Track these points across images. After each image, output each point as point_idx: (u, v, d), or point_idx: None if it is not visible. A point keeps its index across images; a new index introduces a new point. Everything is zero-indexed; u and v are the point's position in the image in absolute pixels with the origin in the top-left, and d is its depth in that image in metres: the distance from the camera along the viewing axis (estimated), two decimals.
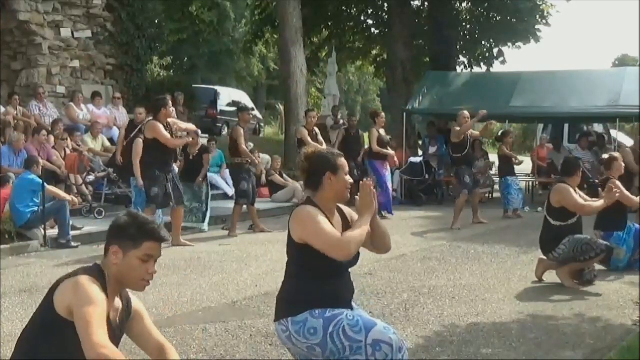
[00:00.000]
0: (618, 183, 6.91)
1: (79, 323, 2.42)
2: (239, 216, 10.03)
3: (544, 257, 6.89)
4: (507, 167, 12.47)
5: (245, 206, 10.11)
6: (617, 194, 6.59)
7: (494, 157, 15.10)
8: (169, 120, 8.69)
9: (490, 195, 15.18)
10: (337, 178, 3.33)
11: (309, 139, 11.00)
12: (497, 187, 14.20)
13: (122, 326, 2.76)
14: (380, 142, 11.58)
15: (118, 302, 2.73)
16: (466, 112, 10.79)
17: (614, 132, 18.33)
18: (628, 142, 19.16)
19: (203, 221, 10.29)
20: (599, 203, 6.65)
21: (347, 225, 3.44)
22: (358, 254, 3.46)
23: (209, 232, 10.14)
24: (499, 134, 13.32)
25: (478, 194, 11.40)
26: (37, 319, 2.60)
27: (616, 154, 7.66)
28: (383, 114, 12.19)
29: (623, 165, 7.49)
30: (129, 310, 2.80)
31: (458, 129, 10.61)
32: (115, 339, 2.63)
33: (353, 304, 3.44)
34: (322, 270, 3.26)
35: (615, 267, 7.11)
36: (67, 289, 2.52)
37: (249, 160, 10.06)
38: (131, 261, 2.62)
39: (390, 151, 11.80)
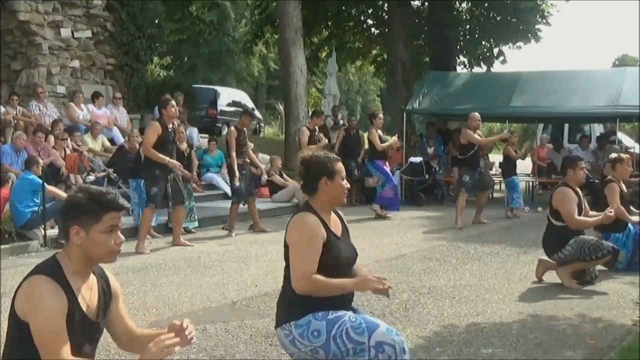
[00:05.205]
0: (616, 206, 6.75)
1: (37, 340, 2.41)
2: (235, 215, 10.04)
3: (544, 258, 6.89)
4: (510, 167, 12.47)
5: (244, 204, 10.13)
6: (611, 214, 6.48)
7: (494, 157, 15.10)
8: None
9: (491, 195, 15.17)
10: (333, 183, 3.35)
11: (306, 142, 11.23)
12: (497, 187, 14.22)
13: (101, 310, 2.64)
14: (380, 142, 11.67)
15: (92, 282, 2.62)
16: (477, 114, 10.80)
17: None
18: (629, 142, 19.19)
19: (195, 219, 10.27)
20: (592, 220, 6.56)
21: (344, 226, 3.48)
22: (356, 255, 3.48)
23: (209, 232, 10.13)
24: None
25: (486, 195, 11.38)
26: (9, 322, 2.54)
27: (623, 155, 7.65)
28: (381, 115, 12.20)
29: (629, 168, 7.48)
30: (108, 291, 2.70)
31: (479, 137, 10.62)
32: (88, 328, 2.55)
33: (354, 305, 3.45)
34: (322, 273, 3.26)
35: (615, 268, 7.11)
36: (22, 296, 2.46)
37: (248, 160, 10.08)
38: (95, 237, 2.51)
39: (392, 140, 11.90)
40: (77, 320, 2.50)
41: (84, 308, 2.55)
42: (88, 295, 2.59)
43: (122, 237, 2.60)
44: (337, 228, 3.40)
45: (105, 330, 2.73)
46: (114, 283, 2.76)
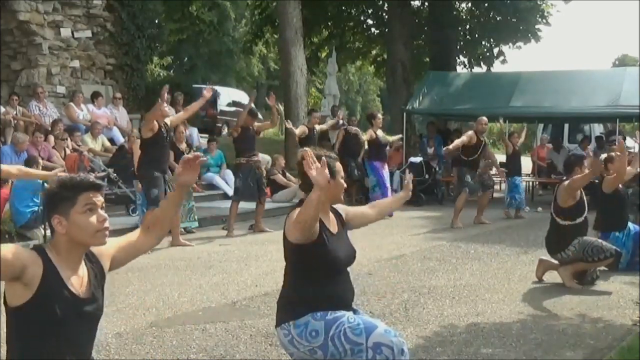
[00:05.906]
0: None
1: None
2: (234, 214, 10.02)
3: (545, 257, 6.89)
4: (515, 166, 12.40)
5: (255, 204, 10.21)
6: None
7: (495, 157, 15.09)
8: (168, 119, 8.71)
9: (491, 195, 15.16)
10: (334, 182, 3.36)
11: (299, 134, 11.71)
12: (497, 187, 14.21)
13: (95, 288, 2.61)
14: (377, 143, 11.66)
15: (83, 273, 2.60)
16: (484, 118, 10.81)
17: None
18: (629, 142, 19.18)
19: (195, 219, 10.24)
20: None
21: (342, 223, 3.51)
22: (354, 253, 3.49)
23: (209, 232, 10.13)
24: (507, 134, 13.48)
25: (487, 195, 11.34)
26: (6, 317, 2.52)
27: (613, 154, 7.66)
28: (380, 115, 12.21)
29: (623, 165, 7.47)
30: (98, 266, 2.68)
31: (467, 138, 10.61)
32: (80, 304, 2.52)
33: (354, 306, 3.45)
34: (320, 272, 3.28)
35: (615, 268, 7.10)
36: None
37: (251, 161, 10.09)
38: (76, 219, 2.50)
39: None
40: (64, 298, 2.47)
41: (75, 292, 2.52)
42: (78, 283, 2.55)
43: (105, 214, 2.57)
44: (333, 227, 3.42)
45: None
46: (99, 250, 2.70)
